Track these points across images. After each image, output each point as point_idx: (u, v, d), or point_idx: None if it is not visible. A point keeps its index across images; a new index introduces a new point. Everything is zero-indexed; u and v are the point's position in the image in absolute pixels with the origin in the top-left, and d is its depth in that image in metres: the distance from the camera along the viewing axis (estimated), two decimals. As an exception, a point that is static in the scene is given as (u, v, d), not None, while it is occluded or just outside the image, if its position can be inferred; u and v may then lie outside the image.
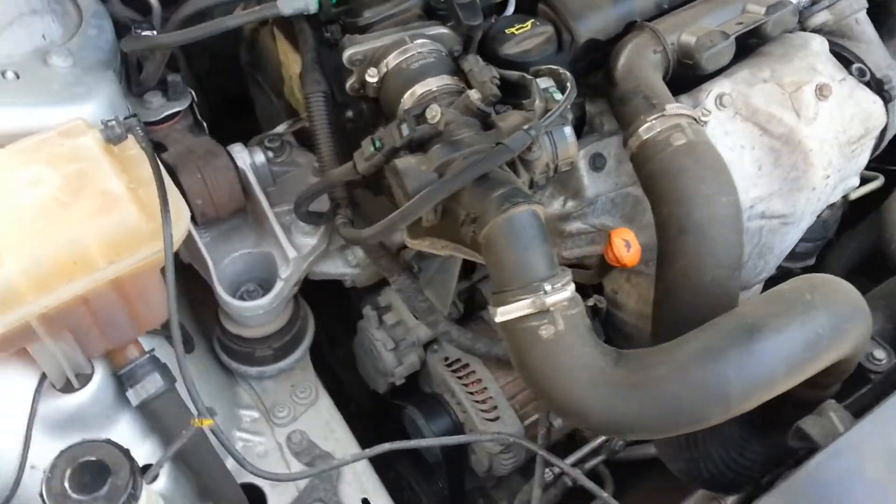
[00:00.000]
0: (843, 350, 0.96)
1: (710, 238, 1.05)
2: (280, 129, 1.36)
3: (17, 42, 1.17)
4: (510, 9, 1.22)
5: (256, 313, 1.24)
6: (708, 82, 1.21)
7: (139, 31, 1.28)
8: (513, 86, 1.10)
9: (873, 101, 1.22)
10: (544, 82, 1.09)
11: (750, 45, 1.25)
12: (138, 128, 1.04)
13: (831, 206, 1.37)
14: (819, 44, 1.23)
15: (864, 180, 1.39)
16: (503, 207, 0.96)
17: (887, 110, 1.25)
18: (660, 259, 1.09)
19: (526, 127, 0.99)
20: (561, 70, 1.09)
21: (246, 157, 1.24)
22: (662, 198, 1.08)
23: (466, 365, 1.38)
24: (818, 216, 1.36)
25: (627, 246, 1.04)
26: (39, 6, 1.19)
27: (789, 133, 1.18)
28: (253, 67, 1.53)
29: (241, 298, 1.26)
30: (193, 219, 1.21)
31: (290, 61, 1.33)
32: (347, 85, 1.16)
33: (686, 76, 1.22)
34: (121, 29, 1.29)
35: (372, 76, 1.11)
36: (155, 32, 1.27)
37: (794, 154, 1.19)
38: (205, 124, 1.37)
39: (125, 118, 1.05)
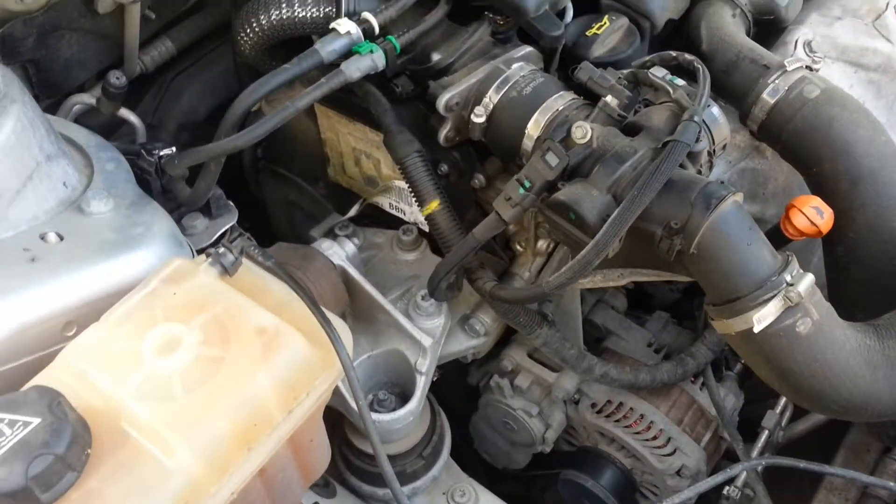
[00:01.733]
0: None
1: (887, 180, 0.98)
2: (352, 212, 1.19)
3: (41, 198, 0.95)
4: (569, 14, 1.13)
5: (406, 422, 1.05)
6: (785, 34, 1.16)
7: (155, 151, 1.10)
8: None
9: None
10: (659, 71, 0.99)
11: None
12: (254, 247, 0.85)
13: None
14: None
15: None
16: (710, 207, 0.85)
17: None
18: (838, 217, 1.01)
19: (686, 116, 0.89)
20: (674, 53, 1.00)
21: (339, 251, 1.07)
22: (819, 154, 1.01)
23: (621, 404, 1.24)
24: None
25: (820, 212, 0.95)
26: (53, 150, 0.98)
27: (886, 60, 1.15)
28: (270, 160, 1.35)
29: (376, 412, 1.08)
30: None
31: (341, 135, 1.17)
32: (441, 135, 1.02)
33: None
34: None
35: (479, 115, 0.98)
36: (174, 149, 1.09)
37: (893, 81, 1.15)
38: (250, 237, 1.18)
39: (231, 239, 0.86)
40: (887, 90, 1.16)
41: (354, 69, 0.99)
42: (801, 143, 1.02)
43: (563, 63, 1.09)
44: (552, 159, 0.90)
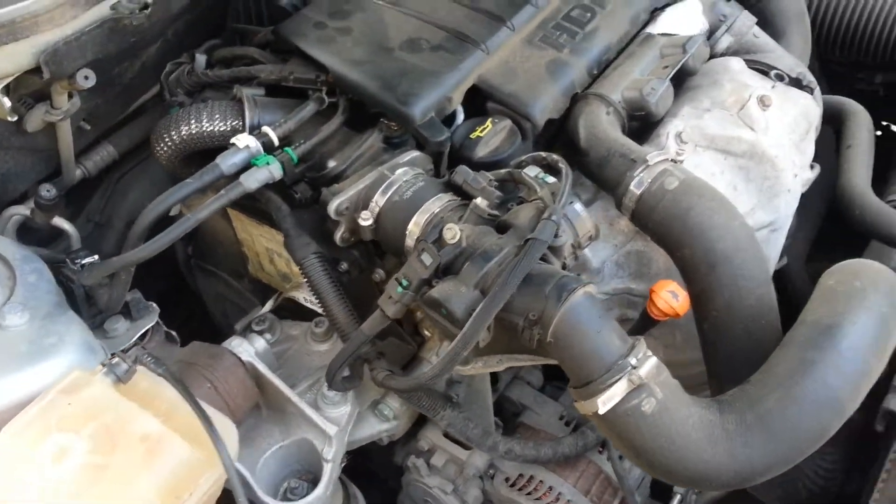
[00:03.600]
0: None
1: (741, 262, 1.06)
2: (266, 307, 1.27)
3: (-40, 316, 1.03)
4: (460, 117, 1.23)
5: (314, 509, 1.11)
6: (659, 127, 1.26)
7: (78, 260, 1.18)
8: (502, 185, 1.09)
9: (805, 98, 1.31)
10: (532, 171, 1.08)
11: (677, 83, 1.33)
12: (146, 355, 0.93)
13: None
14: (737, 63, 1.32)
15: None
16: (561, 299, 0.93)
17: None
18: (697, 300, 1.09)
19: (546, 215, 0.98)
20: (544, 154, 1.09)
21: (248, 348, 1.14)
22: (680, 241, 1.09)
23: (532, 478, 1.30)
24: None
25: (675, 296, 1.03)
26: (-28, 268, 1.07)
27: (751, 148, 1.24)
28: (199, 257, 1.44)
29: (288, 500, 1.13)
30: (213, 432, 1.09)
31: (253, 236, 1.25)
32: (337, 237, 1.11)
33: (633, 129, 1.27)
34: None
35: (366, 219, 1.07)
36: (97, 257, 1.17)
37: (761, 165, 1.25)
38: (175, 334, 1.26)
39: (125, 350, 0.94)
40: (755, 174, 1.25)
41: (252, 181, 1.09)
42: (664, 230, 1.10)
43: (452, 163, 1.18)
44: (426, 259, 0.98)
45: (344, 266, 1.15)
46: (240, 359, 1.12)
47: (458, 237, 0.98)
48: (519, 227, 1.00)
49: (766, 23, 1.53)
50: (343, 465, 1.18)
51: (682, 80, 1.32)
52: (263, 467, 1.14)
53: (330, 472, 1.12)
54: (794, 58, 1.38)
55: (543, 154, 1.09)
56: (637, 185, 1.11)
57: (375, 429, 1.24)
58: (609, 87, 1.25)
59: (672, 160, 1.14)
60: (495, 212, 1.03)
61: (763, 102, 1.25)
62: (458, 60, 1.21)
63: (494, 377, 1.39)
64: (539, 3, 1.32)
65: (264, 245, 1.26)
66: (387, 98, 1.15)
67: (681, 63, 1.27)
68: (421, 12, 1.29)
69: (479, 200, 1.02)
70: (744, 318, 1.06)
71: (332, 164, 1.14)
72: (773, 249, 1.32)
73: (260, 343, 1.17)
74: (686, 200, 1.09)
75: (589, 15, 1.33)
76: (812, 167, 1.49)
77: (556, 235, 0.99)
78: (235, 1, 1.42)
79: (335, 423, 1.13)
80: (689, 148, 1.24)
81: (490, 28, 1.27)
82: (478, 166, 1.14)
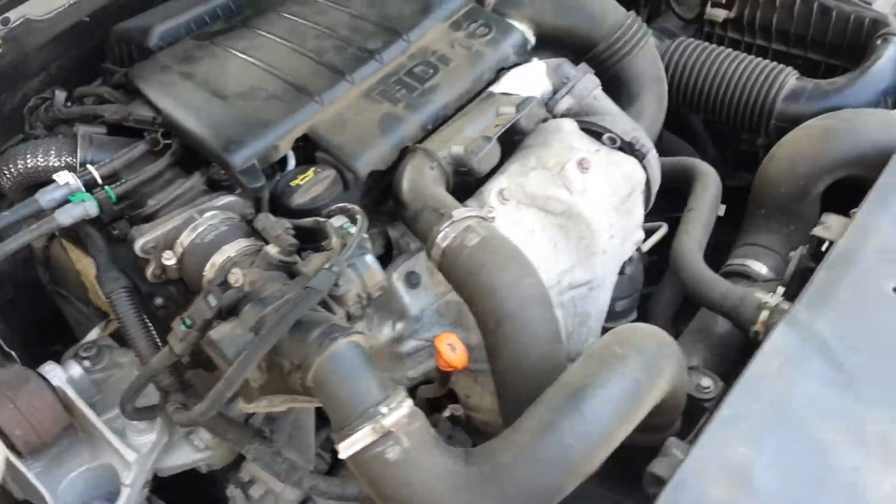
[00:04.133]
0: (662, 387, 1.04)
1: (525, 322, 1.11)
2: (92, 335, 1.32)
3: None
4: (291, 163, 1.29)
5: (109, 532, 1.15)
6: (487, 183, 1.32)
7: None
8: (312, 232, 1.15)
9: (629, 162, 1.37)
10: (338, 220, 1.14)
11: (515, 141, 1.39)
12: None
13: (629, 260, 1.49)
14: (569, 125, 1.38)
15: (650, 231, 1.54)
16: (323, 346, 0.98)
17: (644, 166, 1.41)
18: (488, 352, 1.14)
19: (327, 266, 1.03)
20: (348, 205, 1.15)
21: (60, 374, 1.19)
22: (473, 296, 1.14)
23: (346, 514, 1.34)
24: (622, 273, 1.49)
25: (453, 349, 1.08)
26: None
27: (568, 208, 1.30)
28: (55, 283, 1.49)
29: (90, 522, 1.18)
30: (16, 451, 1.14)
31: (86, 266, 1.31)
32: (148, 273, 1.16)
33: (466, 183, 1.33)
34: None
35: (168, 259, 1.12)
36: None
37: (577, 225, 1.31)
38: (14, 353, 1.31)
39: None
40: (573, 233, 1.31)
41: (66, 216, 1.14)
42: (462, 285, 1.16)
43: (274, 209, 1.24)
44: (211, 300, 1.04)
45: (159, 301, 1.20)
46: (49, 383, 1.17)
47: (240, 282, 1.04)
48: (305, 275, 1.06)
49: (623, 85, 1.60)
50: (147, 491, 1.22)
51: (520, 140, 1.38)
52: (68, 486, 1.19)
53: (127, 496, 1.17)
54: (631, 122, 1.44)
55: (347, 206, 1.15)
56: (442, 238, 1.17)
57: (189, 458, 1.28)
58: (438, 142, 1.31)
59: (481, 217, 1.19)
60: (287, 259, 1.08)
61: (582, 165, 1.31)
62: (290, 111, 1.27)
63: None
64: (383, 59, 1.39)
65: (93, 274, 1.31)
66: (211, 143, 1.21)
67: (510, 123, 1.33)
68: (267, 63, 1.36)
69: (269, 247, 1.08)
70: (525, 374, 1.11)
71: (150, 202, 1.20)
72: (592, 307, 1.37)
73: (76, 370, 1.22)
74: (480, 258, 1.14)
75: (431, 72, 1.39)
76: (658, 227, 1.56)
77: (336, 285, 1.05)
78: (111, 42, 1.48)
79: (137, 451, 1.18)
80: (511, 205, 1.30)
81: (330, 81, 1.33)
82: (295, 213, 1.21)
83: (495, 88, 1.42)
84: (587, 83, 1.44)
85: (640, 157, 1.40)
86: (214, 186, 1.24)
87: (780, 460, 0.97)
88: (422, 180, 1.26)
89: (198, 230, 1.13)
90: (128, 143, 1.27)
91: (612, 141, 1.39)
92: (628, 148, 1.40)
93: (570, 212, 1.30)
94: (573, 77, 1.45)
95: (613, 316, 1.54)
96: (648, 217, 1.47)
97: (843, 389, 1.04)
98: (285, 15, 1.48)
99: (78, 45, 1.51)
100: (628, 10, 2.03)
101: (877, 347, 1.09)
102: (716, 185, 1.57)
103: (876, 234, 1.21)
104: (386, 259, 1.31)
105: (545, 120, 1.41)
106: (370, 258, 1.11)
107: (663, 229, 1.55)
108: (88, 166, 1.19)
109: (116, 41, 1.49)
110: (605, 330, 1.56)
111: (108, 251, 1.19)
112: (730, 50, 1.69)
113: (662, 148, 1.86)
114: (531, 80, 1.44)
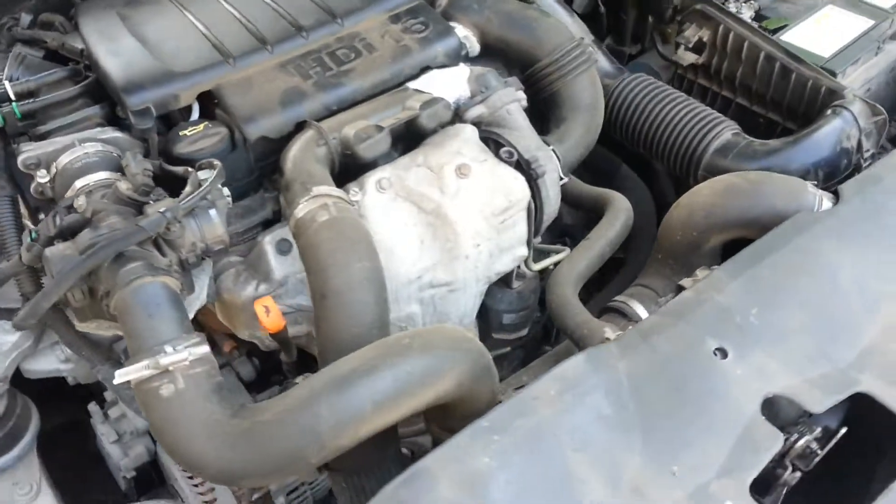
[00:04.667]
0: (442, 388, 1.07)
1: (347, 302, 1.16)
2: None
3: None
4: (195, 114, 1.37)
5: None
6: (372, 169, 1.37)
7: None
8: (182, 180, 1.23)
9: (514, 178, 1.39)
10: (206, 174, 1.22)
11: (419, 139, 1.43)
12: None
13: (517, 276, 1.51)
14: (470, 132, 1.41)
15: (551, 252, 1.55)
16: (128, 280, 1.06)
17: (537, 186, 1.43)
18: (314, 324, 1.19)
19: (162, 209, 1.11)
20: (214, 161, 1.22)
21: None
22: (309, 269, 1.20)
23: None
24: (509, 287, 1.51)
25: (267, 311, 1.14)
26: None
27: (437, 208, 1.33)
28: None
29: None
30: None
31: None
32: (31, 188, 1.27)
33: (360, 167, 1.38)
34: None
35: (42, 177, 1.22)
36: None
37: (444, 227, 1.34)
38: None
39: None
40: (440, 233, 1.33)
41: (-30, 142, 1.26)
42: (303, 256, 1.21)
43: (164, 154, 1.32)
44: (57, 220, 1.14)
45: (42, 216, 1.31)
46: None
47: (83, 208, 1.13)
48: (146, 215, 1.14)
49: (556, 106, 1.62)
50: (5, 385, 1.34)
51: (421, 136, 1.42)
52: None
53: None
54: (537, 142, 1.46)
55: (213, 161, 1.23)
56: (299, 210, 1.23)
57: (53, 366, 1.39)
58: (336, 123, 1.36)
59: (340, 198, 1.25)
60: (139, 197, 1.17)
61: (460, 170, 1.34)
62: (200, 66, 1.36)
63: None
64: (309, 37, 1.45)
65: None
66: (114, 79, 1.31)
67: (409, 118, 1.37)
68: (200, 19, 1.45)
69: (120, 183, 1.16)
70: (337, 351, 1.15)
71: (49, 124, 1.31)
72: (452, 309, 1.40)
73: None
74: (323, 234, 1.19)
75: (353, 56, 1.45)
76: (558, 250, 1.56)
77: (168, 230, 1.12)
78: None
79: (-3, 347, 1.29)
80: (388, 195, 1.34)
81: (250, 47, 1.41)
82: (178, 160, 1.29)
83: (413, 84, 1.47)
84: (503, 96, 1.47)
85: (533, 176, 1.42)
86: (114, 122, 1.34)
87: (522, 479, 0.98)
88: (305, 155, 1.32)
89: (73, 155, 1.23)
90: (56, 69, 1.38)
91: (509, 155, 1.41)
92: (525, 165, 1.42)
93: (438, 211, 1.33)
94: (492, 87, 1.48)
95: (501, 328, 1.56)
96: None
97: (615, 430, 1.04)
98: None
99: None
100: (618, 44, 2.04)
101: (671, 402, 1.08)
102: (624, 220, 1.56)
103: (722, 293, 1.20)
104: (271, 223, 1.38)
105: (452, 122, 1.45)
106: (214, 213, 1.19)
107: (564, 253, 1.56)
108: (5, 82, 1.31)
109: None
110: (501, 342, 1.60)
111: (5, 162, 1.30)
112: (679, 94, 1.68)
113: (618, 183, 1.88)
114: (451, 82, 1.47)
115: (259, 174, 1.39)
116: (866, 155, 1.54)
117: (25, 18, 1.52)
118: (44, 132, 1.29)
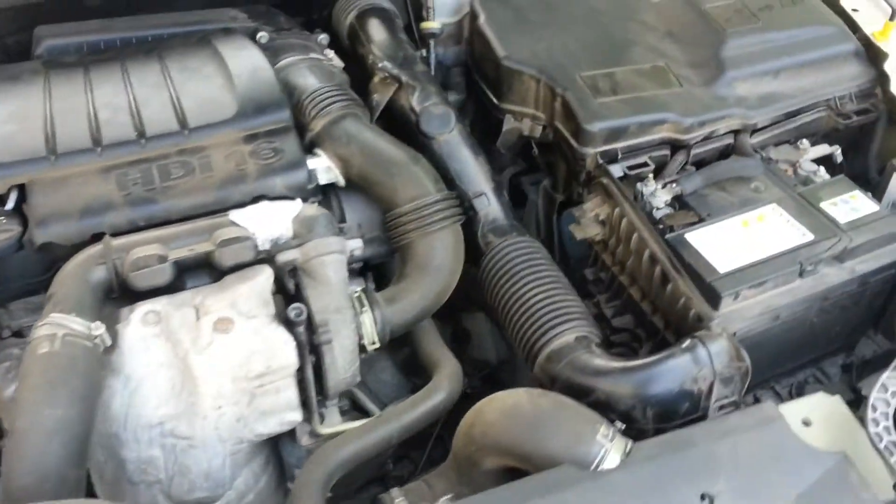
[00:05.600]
0: None
1: (25, 445, 1.11)
2: None
3: None
4: (10, 204, 1.38)
5: None
6: (140, 302, 1.31)
7: None
8: None
9: (283, 342, 1.28)
10: None
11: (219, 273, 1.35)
12: None
13: (316, 435, 1.39)
14: (264, 279, 1.32)
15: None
16: None
17: (321, 352, 1.31)
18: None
19: None
20: None
21: None
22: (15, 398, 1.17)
23: None
24: (301, 444, 1.40)
25: None
26: None
27: (185, 358, 1.25)
28: None
29: None
30: None
31: None
32: None
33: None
34: None
35: None
36: None
37: (188, 379, 1.25)
38: None
39: None
40: (187, 384, 1.23)
41: None
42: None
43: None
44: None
45: None
46: None
47: None
48: None
49: (403, 260, 1.50)
50: None
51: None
52: None
53: None
54: (342, 302, 1.31)
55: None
56: (33, 332, 1.20)
57: None
58: (128, 242, 1.31)
59: (72, 331, 1.19)
60: None
61: (220, 325, 1.26)
62: (21, 158, 1.37)
63: None
64: (147, 145, 1.43)
65: None
66: None
67: (205, 252, 1.31)
68: (53, 106, 1.46)
69: None
70: (11, 497, 1.10)
71: None
72: (193, 464, 1.29)
73: None
74: (32, 367, 1.16)
75: (182, 173, 1.41)
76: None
77: None
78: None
79: None
80: (153, 330, 1.28)
81: (79, 146, 1.40)
82: None
83: (237, 213, 1.40)
84: (320, 245, 1.36)
85: (316, 342, 1.31)
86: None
87: None
88: (76, 271, 1.29)
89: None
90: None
91: (298, 313, 1.31)
92: (313, 328, 1.31)
93: (185, 362, 1.25)
94: (316, 233, 1.38)
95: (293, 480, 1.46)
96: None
97: None
98: (131, 71, 1.57)
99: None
100: (553, 188, 1.82)
101: None
102: (447, 391, 1.40)
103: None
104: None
105: (260, 262, 1.37)
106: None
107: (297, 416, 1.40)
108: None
109: (34, 40, 1.69)
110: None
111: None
112: (548, 272, 1.47)
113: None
114: (275, 218, 1.39)
115: (55, 273, 1.38)
116: (721, 403, 1.30)
117: None
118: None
